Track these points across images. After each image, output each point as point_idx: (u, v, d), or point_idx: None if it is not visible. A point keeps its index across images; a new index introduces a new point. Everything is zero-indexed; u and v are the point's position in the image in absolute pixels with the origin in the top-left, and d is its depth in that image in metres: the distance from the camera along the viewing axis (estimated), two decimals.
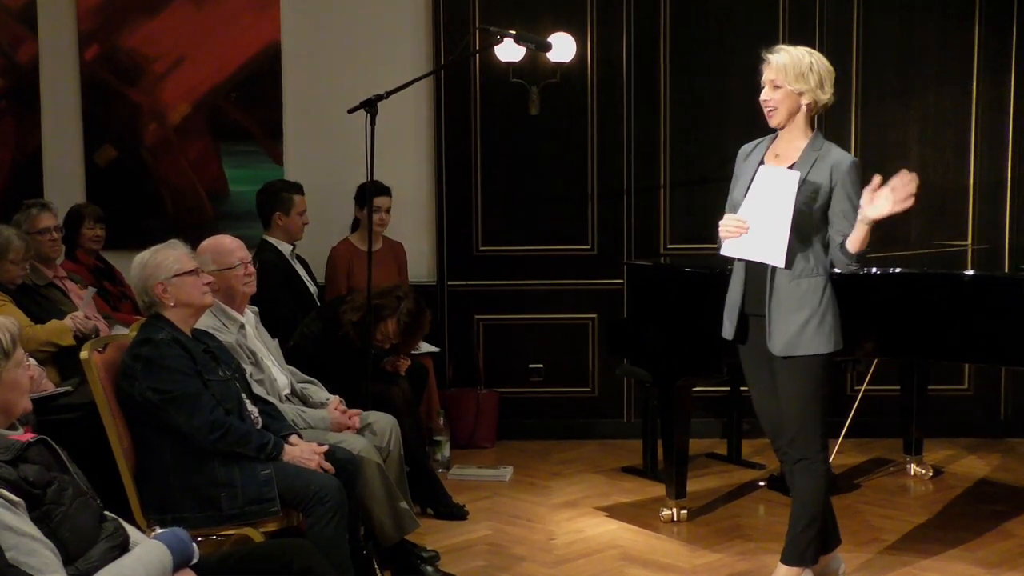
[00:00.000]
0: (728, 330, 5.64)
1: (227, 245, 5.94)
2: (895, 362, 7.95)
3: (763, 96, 5.40)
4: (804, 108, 5.35)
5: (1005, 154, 8.80)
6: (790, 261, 5.31)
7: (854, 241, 5.24)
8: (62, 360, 6.32)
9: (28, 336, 6.20)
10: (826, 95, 5.33)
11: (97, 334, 6.34)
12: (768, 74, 5.36)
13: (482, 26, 8.28)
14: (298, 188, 7.99)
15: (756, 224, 5.31)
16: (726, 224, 5.38)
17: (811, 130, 5.42)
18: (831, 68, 5.37)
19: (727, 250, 5.46)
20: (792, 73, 5.29)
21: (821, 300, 5.32)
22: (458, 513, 7.15)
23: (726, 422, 8.51)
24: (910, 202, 5.17)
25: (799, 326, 5.33)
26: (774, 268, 5.35)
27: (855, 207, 5.22)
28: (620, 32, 8.76)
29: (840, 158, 5.33)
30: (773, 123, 5.42)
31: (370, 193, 6.80)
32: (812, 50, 5.40)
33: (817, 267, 5.32)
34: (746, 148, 5.65)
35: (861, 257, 5.26)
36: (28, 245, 6.63)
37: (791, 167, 5.34)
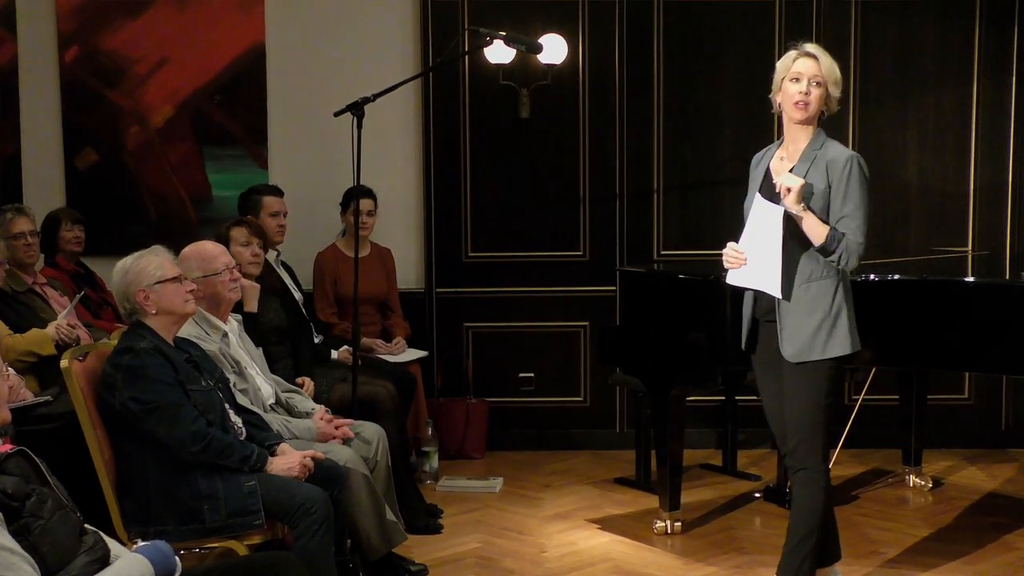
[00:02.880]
0: (742, 340, 5.67)
1: (211, 251, 5.95)
2: (894, 371, 7.97)
3: (803, 89, 5.34)
4: (822, 108, 5.41)
5: (1006, 157, 8.83)
6: (800, 267, 5.35)
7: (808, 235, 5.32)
8: (42, 369, 6.31)
9: (8, 346, 6.21)
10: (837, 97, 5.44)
11: (78, 343, 6.33)
12: (812, 69, 5.36)
13: (471, 27, 8.29)
14: (270, 189, 7.96)
15: (753, 255, 5.43)
16: (727, 254, 5.50)
17: (814, 129, 5.44)
18: None
19: (731, 279, 5.55)
20: (833, 78, 5.38)
21: (833, 302, 5.33)
22: (432, 528, 7.14)
23: (721, 432, 8.52)
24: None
25: (812, 330, 5.34)
26: (784, 274, 5.37)
27: (855, 205, 5.26)
28: (612, 33, 8.78)
29: (836, 155, 5.34)
30: (800, 117, 5.39)
31: (355, 196, 6.83)
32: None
33: (827, 269, 5.32)
34: (756, 157, 5.70)
35: (826, 251, 5.24)
36: (2, 248, 6.65)
37: (792, 169, 5.36)
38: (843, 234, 5.23)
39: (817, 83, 5.37)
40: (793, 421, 5.48)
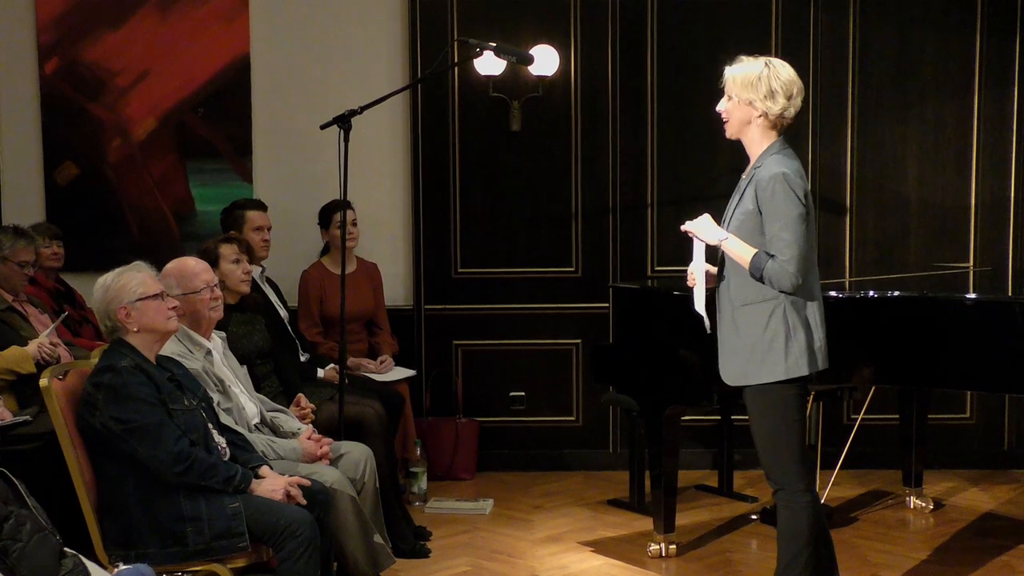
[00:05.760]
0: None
1: (192, 268, 5.95)
2: (894, 390, 7.98)
3: (718, 106, 5.47)
4: (758, 120, 5.36)
5: (1008, 171, 8.86)
6: (735, 291, 5.39)
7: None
8: (21, 388, 6.32)
9: None
10: (777, 106, 5.30)
11: (59, 361, 6.34)
12: (724, 84, 5.44)
13: (461, 38, 8.31)
14: (254, 204, 7.98)
15: (699, 278, 5.54)
16: (688, 273, 5.60)
17: (767, 143, 5.40)
18: (793, 80, 5.33)
19: (695, 298, 5.60)
20: (740, 82, 5.34)
21: (767, 327, 5.29)
22: (420, 551, 7.13)
23: (716, 452, 8.54)
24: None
25: (746, 355, 5.35)
26: (723, 298, 5.46)
27: (780, 225, 5.21)
28: (605, 44, 8.81)
29: (763, 175, 5.29)
30: (727, 134, 5.49)
31: (341, 207, 6.85)
32: (776, 61, 5.39)
33: (765, 294, 5.28)
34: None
35: (759, 276, 5.24)
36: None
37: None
38: (770, 257, 5.21)
39: (728, 96, 5.41)
40: (758, 443, 5.49)
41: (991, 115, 8.83)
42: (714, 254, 5.56)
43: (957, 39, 8.80)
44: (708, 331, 5.55)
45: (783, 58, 5.52)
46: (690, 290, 5.62)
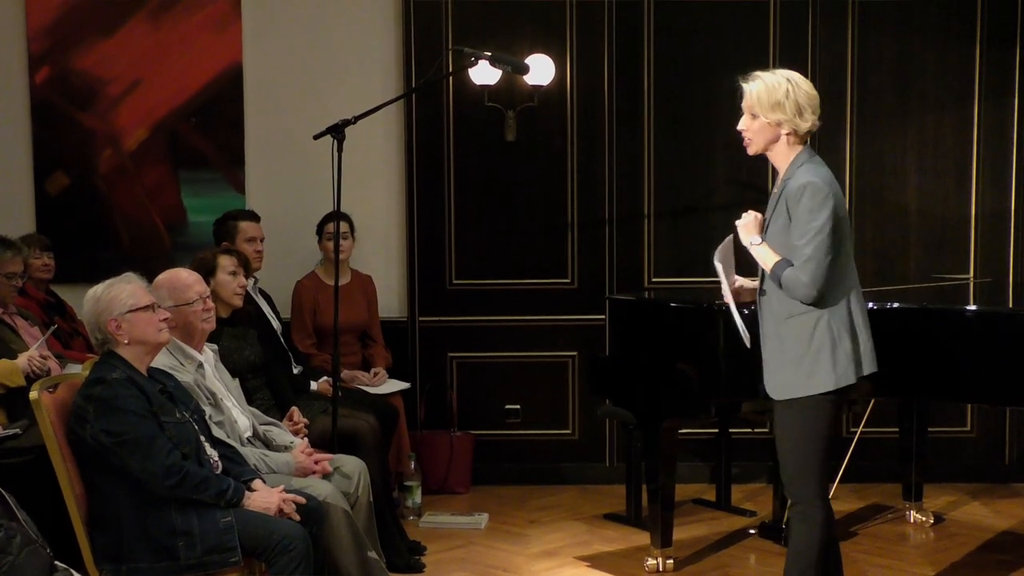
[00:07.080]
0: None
1: (184, 279, 5.95)
2: (894, 402, 7.98)
3: (739, 125, 5.44)
4: (785, 137, 5.35)
5: (1008, 181, 8.87)
6: (777, 304, 5.36)
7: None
8: (10, 401, 6.31)
9: None
10: (807, 123, 5.30)
11: (49, 374, 6.33)
12: (744, 100, 5.41)
13: (455, 47, 8.33)
14: (247, 215, 7.99)
15: (728, 297, 5.60)
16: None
17: (794, 155, 5.38)
18: (813, 92, 5.33)
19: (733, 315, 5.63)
20: (767, 102, 5.31)
21: (813, 337, 5.27)
22: (415, 566, 7.12)
23: (714, 466, 8.53)
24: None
25: (791, 369, 5.31)
26: (764, 311, 5.44)
27: (800, 233, 5.20)
28: (601, 54, 8.81)
29: (792, 185, 5.29)
30: (749, 152, 5.47)
31: (331, 219, 6.84)
32: (792, 74, 5.37)
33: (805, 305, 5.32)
34: None
35: (777, 283, 5.26)
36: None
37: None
38: (790, 265, 5.22)
39: (752, 115, 5.39)
40: (784, 456, 5.46)
41: (991, 125, 8.84)
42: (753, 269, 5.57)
43: (957, 49, 8.82)
44: (748, 346, 5.54)
45: (782, 69, 5.51)
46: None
